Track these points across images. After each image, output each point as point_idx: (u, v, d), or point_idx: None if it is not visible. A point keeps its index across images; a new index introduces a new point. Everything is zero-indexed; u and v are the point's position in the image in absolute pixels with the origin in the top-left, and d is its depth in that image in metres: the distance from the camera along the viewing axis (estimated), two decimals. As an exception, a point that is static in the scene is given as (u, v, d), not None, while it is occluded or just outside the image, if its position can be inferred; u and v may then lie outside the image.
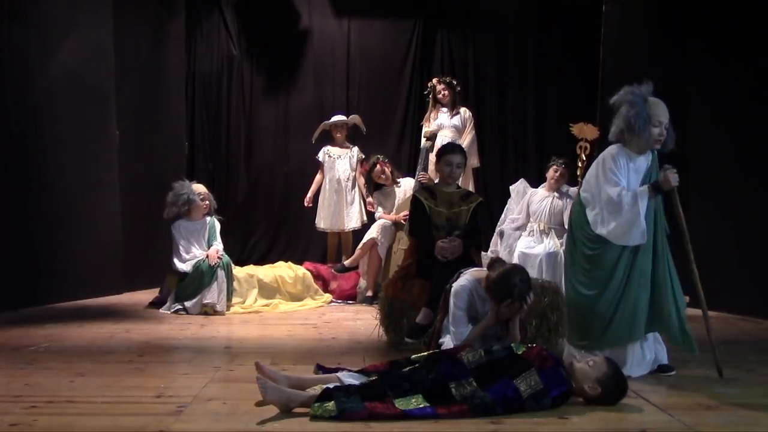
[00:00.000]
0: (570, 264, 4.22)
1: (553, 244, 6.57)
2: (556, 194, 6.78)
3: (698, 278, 4.02)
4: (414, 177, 7.30)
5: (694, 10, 7.11)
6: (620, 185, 3.97)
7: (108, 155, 7.30)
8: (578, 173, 6.66)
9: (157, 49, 8.26)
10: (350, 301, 7.11)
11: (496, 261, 4.29)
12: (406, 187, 7.36)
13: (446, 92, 7.74)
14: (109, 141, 7.31)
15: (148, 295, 6.99)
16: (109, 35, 7.21)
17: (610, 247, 3.99)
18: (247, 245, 9.51)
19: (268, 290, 6.75)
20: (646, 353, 4.06)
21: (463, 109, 7.80)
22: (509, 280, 3.94)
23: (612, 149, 4.07)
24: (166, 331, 5.42)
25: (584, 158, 6.64)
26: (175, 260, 6.46)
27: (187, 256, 6.46)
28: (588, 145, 6.68)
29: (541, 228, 6.70)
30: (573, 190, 6.74)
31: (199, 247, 6.56)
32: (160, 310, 6.35)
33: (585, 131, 6.73)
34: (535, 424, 3.07)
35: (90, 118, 7.08)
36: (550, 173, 6.84)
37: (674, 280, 4.02)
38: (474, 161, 7.70)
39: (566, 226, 6.59)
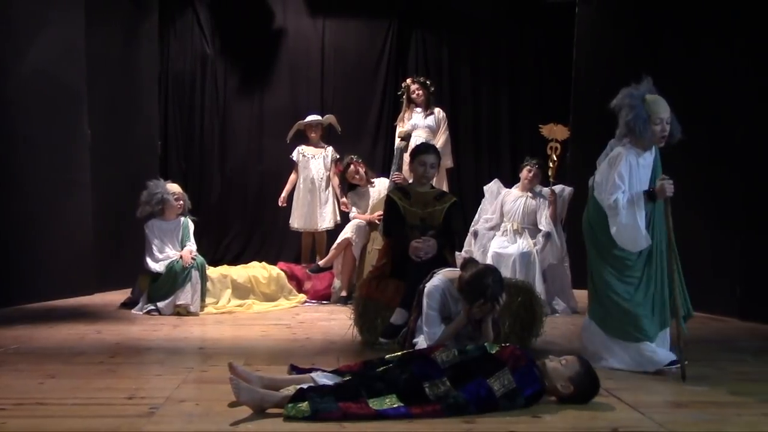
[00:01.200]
0: (601, 267, 4.22)
1: (526, 243, 6.61)
2: (529, 194, 6.82)
3: (677, 286, 4.06)
4: (388, 177, 7.31)
5: (665, 11, 7.18)
6: (621, 188, 4.04)
7: (80, 154, 7.23)
8: (550, 173, 6.71)
9: (129, 48, 8.19)
10: (324, 302, 7.09)
11: (469, 261, 4.30)
12: (380, 187, 7.36)
13: (420, 92, 7.75)
14: (81, 140, 7.24)
15: (120, 295, 6.92)
16: (80, 33, 7.14)
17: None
18: (221, 245, 9.47)
19: (241, 290, 6.72)
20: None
21: (437, 110, 7.82)
22: (482, 281, 3.96)
23: (621, 149, 4.13)
24: (139, 332, 5.37)
25: (555, 158, 6.70)
26: (148, 260, 6.40)
27: (161, 256, 6.40)
28: (558, 146, 6.74)
29: (515, 228, 6.73)
30: (546, 190, 6.80)
31: (173, 247, 6.51)
32: (133, 311, 6.29)
33: (555, 132, 6.79)
34: (509, 423, 3.09)
35: (61, 117, 7.01)
36: (524, 173, 6.87)
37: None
38: (448, 161, 7.72)
39: (540, 227, 6.68)
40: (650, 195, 4.08)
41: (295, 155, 7.96)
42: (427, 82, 7.91)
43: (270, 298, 6.85)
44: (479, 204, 7.19)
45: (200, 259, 6.48)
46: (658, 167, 4.19)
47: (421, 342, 4.17)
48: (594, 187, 4.24)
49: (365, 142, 9.48)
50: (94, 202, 7.31)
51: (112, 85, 7.78)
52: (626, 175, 4.07)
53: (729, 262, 6.30)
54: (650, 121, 4.06)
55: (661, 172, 4.19)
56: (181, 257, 6.35)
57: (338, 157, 7.87)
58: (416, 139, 7.21)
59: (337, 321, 5.81)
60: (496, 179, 7.25)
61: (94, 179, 7.32)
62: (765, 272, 6.04)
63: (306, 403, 3.06)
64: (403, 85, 8.00)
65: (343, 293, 6.97)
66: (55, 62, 6.89)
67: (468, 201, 8.62)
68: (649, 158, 4.17)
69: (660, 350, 4.11)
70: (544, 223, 6.66)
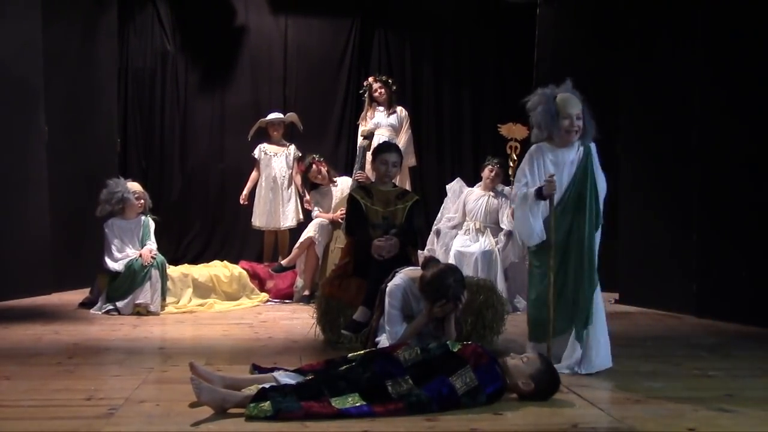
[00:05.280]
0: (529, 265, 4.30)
1: (488, 242, 6.66)
2: (491, 193, 6.88)
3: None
4: (351, 176, 7.31)
5: (625, 12, 7.28)
6: (521, 182, 4.12)
7: (36, 152, 7.09)
8: (510, 172, 6.78)
9: (88, 44, 8.06)
10: (287, 301, 7.07)
11: (430, 260, 4.31)
12: (343, 186, 7.36)
13: (382, 91, 7.76)
14: (38, 137, 7.11)
15: (79, 295, 6.82)
16: (37, 28, 7.01)
17: (544, 244, 4.09)
18: (182, 244, 9.38)
19: (203, 290, 6.67)
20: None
21: (399, 108, 7.83)
22: (443, 281, 3.97)
23: (531, 149, 4.20)
24: (97, 332, 5.29)
25: (515, 157, 6.77)
26: (107, 259, 6.31)
27: (120, 256, 6.32)
28: (518, 145, 6.81)
29: (477, 227, 6.78)
30: (508, 189, 6.86)
31: (133, 246, 6.42)
32: (91, 311, 6.20)
33: (514, 131, 6.87)
34: (470, 420, 3.10)
35: (17, 114, 6.87)
36: (486, 173, 6.93)
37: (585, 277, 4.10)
38: (411, 160, 7.74)
39: (502, 226, 6.75)
40: (538, 192, 4.06)
41: (256, 153, 7.92)
42: (390, 80, 7.92)
43: (232, 297, 6.81)
44: (442, 203, 7.23)
45: (160, 258, 6.41)
46: (589, 165, 4.12)
47: (384, 341, 4.17)
48: None
49: (328, 141, 9.47)
50: (51, 200, 7.18)
51: (70, 81, 7.65)
52: (528, 171, 4.14)
53: (686, 259, 6.41)
54: (559, 116, 4.10)
55: (593, 169, 4.12)
56: (140, 256, 6.28)
57: (300, 155, 7.85)
58: (379, 138, 7.23)
59: (299, 320, 5.78)
60: (458, 178, 7.30)
61: (52, 177, 7.20)
62: (721, 270, 6.16)
63: (268, 402, 3.04)
64: (365, 83, 8.00)
65: (306, 292, 6.95)
66: (11, 58, 6.75)
67: (431, 200, 8.65)
68: (565, 157, 4.13)
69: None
70: (506, 221, 6.72)
